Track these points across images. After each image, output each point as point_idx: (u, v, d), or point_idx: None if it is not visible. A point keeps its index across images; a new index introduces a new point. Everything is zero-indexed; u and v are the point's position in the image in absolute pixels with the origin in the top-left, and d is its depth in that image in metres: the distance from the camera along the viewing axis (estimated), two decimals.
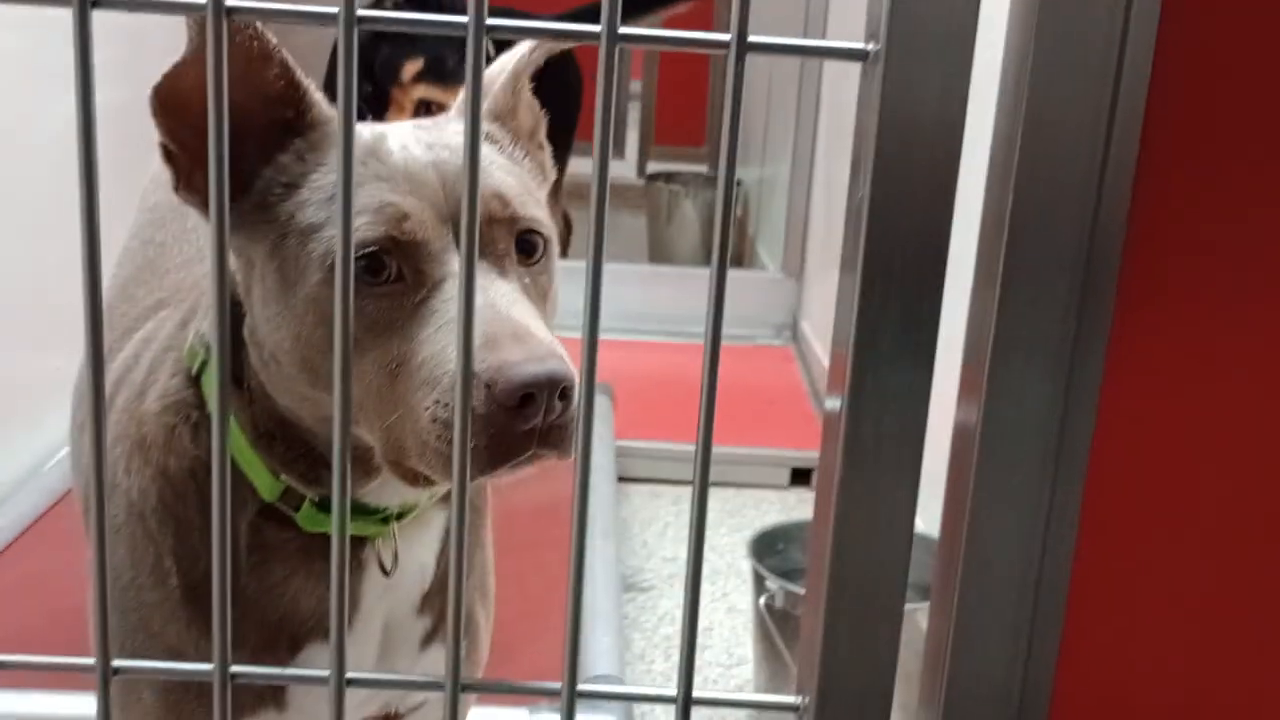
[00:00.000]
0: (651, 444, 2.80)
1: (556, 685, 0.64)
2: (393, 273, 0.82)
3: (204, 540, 0.94)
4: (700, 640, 2.12)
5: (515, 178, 0.90)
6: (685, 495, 2.72)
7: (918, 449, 0.60)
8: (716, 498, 2.69)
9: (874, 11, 0.56)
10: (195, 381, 0.94)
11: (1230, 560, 0.65)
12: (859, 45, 0.57)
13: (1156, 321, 0.61)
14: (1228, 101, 0.59)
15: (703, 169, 5.04)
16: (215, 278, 0.57)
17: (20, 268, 2.07)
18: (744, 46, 0.54)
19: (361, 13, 0.54)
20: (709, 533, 2.49)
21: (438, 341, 0.79)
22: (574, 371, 0.77)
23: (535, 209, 0.88)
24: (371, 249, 0.81)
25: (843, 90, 3.32)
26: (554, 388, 0.76)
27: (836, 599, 0.63)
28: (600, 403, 2.74)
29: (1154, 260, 0.60)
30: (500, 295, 0.81)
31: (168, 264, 1.22)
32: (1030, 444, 0.61)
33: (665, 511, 2.68)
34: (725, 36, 0.54)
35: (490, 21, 0.53)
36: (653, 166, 5.23)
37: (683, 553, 2.35)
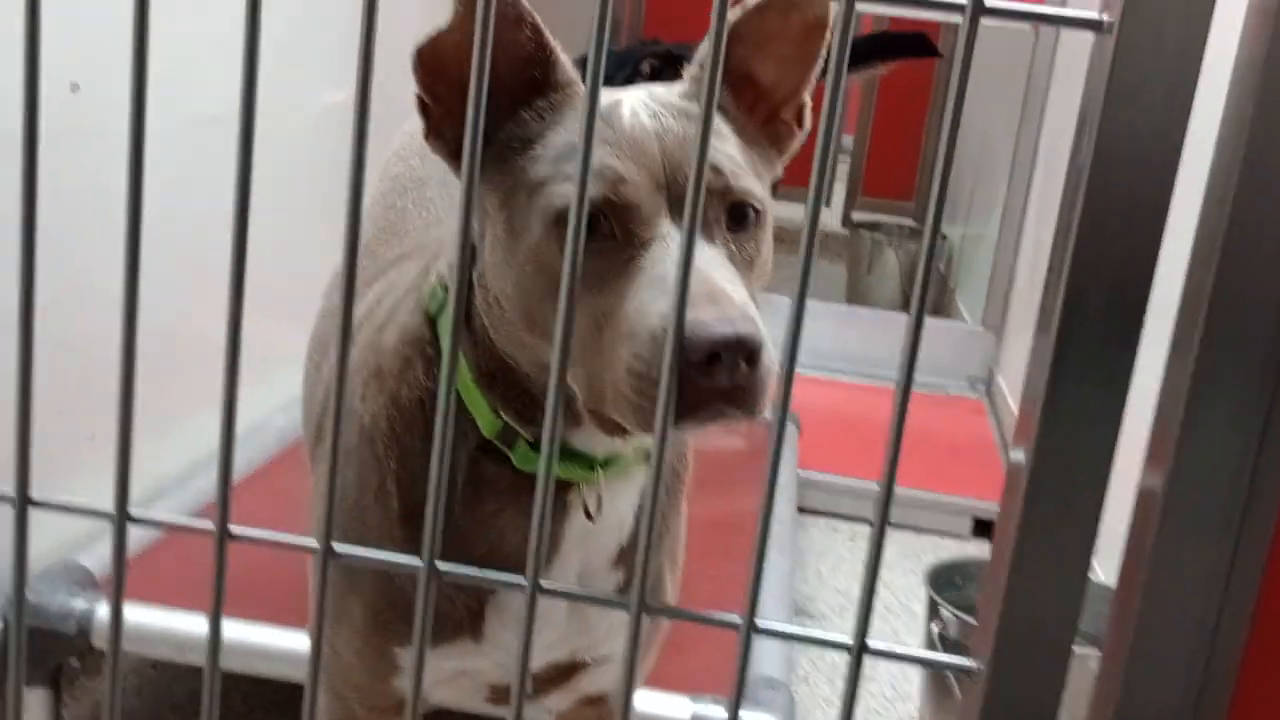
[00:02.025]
0: (834, 478, 2.80)
1: (738, 618, 0.67)
2: (607, 231, 0.87)
3: (425, 467, 1.00)
4: (866, 672, 2.11)
5: (735, 147, 0.94)
6: (862, 532, 2.72)
7: (1098, 503, 0.61)
8: (895, 538, 2.67)
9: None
10: (432, 322, 1.02)
11: None
12: (1093, 15, 0.59)
13: None
14: None
15: (907, 221, 5.02)
16: (462, 219, 0.63)
17: (265, 250, 2.23)
18: (979, 9, 0.58)
19: None
20: (884, 572, 2.47)
21: (641, 298, 0.84)
22: (764, 336, 0.80)
23: (749, 180, 0.92)
24: (589, 208, 0.87)
25: (1058, 148, 3.28)
26: (742, 349, 0.78)
27: (1005, 635, 0.64)
28: (786, 430, 2.75)
29: None
30: (704, 259, 0.84)
31: (408, 226, 1.32)
32: (1214, 513, 0.61)
33: (841, 546, 2.67)
34: (962, 1, 0.58)
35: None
36: (857, 216, 5.24)
37: (855, 588, 2.34)
